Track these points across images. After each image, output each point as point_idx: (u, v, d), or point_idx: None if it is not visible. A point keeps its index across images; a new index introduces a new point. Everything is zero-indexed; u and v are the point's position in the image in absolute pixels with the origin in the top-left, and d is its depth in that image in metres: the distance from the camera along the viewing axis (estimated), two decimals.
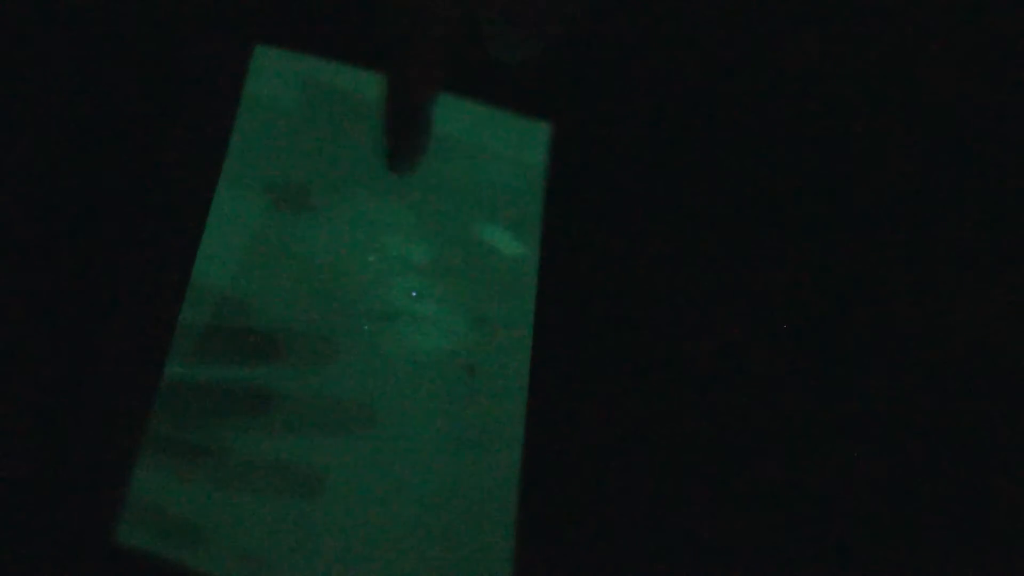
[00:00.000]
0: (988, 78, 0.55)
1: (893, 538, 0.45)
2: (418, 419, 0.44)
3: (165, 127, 0.47)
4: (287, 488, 0.42)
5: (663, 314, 0.48)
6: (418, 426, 0.44)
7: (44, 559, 0.40)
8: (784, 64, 0.54)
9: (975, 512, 0.46)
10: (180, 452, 0.42)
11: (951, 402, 0.48)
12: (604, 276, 0.48)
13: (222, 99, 0.49)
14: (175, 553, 0.40)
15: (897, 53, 0.55)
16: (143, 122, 0.47)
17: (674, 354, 0.47)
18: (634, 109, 0.52)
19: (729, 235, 0.50)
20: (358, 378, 0.45)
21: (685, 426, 0.46)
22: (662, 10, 0.54)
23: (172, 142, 0.47)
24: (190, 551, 0.41)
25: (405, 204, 0.49)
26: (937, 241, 0.51)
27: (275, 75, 0.50)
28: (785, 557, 0.44)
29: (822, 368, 0.48)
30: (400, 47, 0.38)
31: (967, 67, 0.55)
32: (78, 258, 0.44)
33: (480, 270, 0.48)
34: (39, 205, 0.45)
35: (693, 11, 0.54)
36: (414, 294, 0.47)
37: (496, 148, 0.50)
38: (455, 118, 0.50)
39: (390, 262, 0.47)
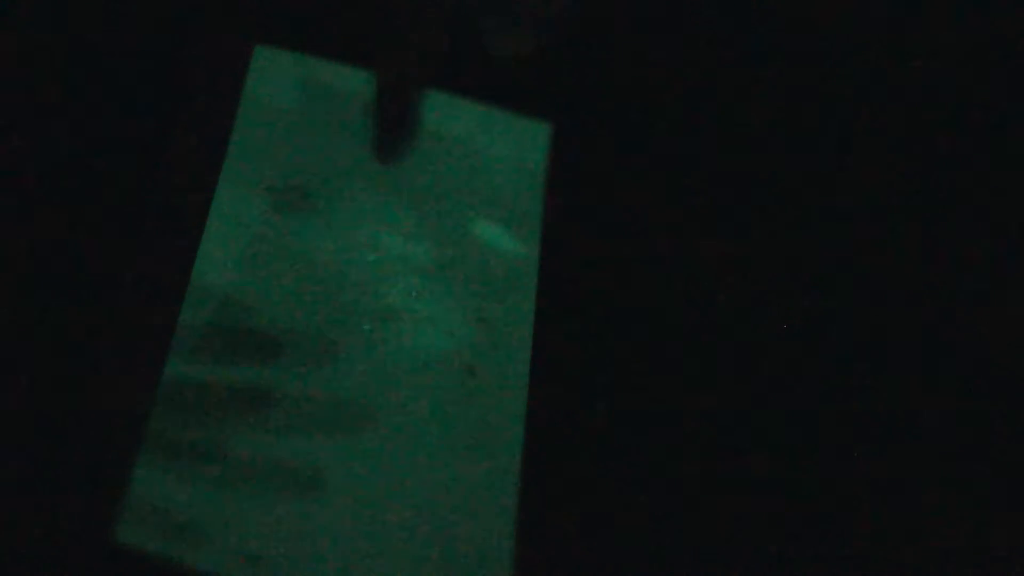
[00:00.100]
0: (988, 78, 0.55)
1: (893, 538, 0.45)
2: (418, 419, 0.44)
3: (165, 127, 0.47)
4: (287, 488, 0.42)
5: (663, 314, 0.48)
6: (418, 426, 0.44)
7: (44, 559, 0.40)
8: (785, 64, 0.54)
9: (975, 512, 0.46)
10: (180, 452, 0.42)
11: (951, 402, 0.48)
12: (604, 276, 0.48)
13: (222, 99, 0.49)
14: (175, 553, 0.40)
15: (897, 53, 0.55)
16: (143, 122, 0.47)
17: (674, 354, 0.47)
18: (634, 109, 0.52)
19: (729, 235, 0.50)
20: (358, 378, 0.45)
21: (685, 426, 0.46)
22: (662, 10, 0.54)
23: (172, 142, 0.47)
24: (190, 551, 0.41)
25: (405, 204, 0.49)
26: (937, 241, 0.51)
27: (275, 75, 0.50)
28: (785, 557, 0.44)
29: (822, 368, 0.48)
30: (393, 40, 0.38)
31: (967, 68, 0.55)
32: (78, 258, 0.44)
33: (480, 270, 0.48)
34: (39, 205, 0.45)
35: (693, 11, 0.54)
36: (414, 294, 0.47)
37: (496, 148, 0.50)
38: (455, 118, 0.50)
39: (390, 262, 0.47)
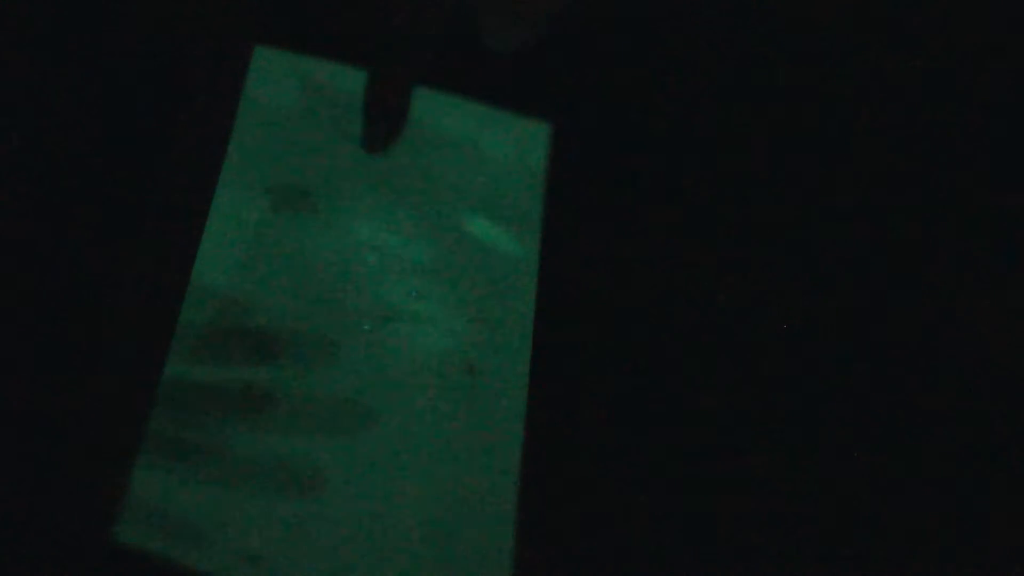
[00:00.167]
0: (987, 79, 0.55)
1: (893, 538, 0.45)
2: (418, 419, 0.44)
3: (165, 128, 0.47)
4: (287, 488, 0.42)
5: (663, 314, 0.48)
6: (418, 426, 0.44)
7: (44, 559, 0.40)
8: (785, 64, 0.54)
9: (975, 512, 0.46)
10: (180, 452, 0.42)
11: (951, 403, 0.48)
12: (604, 276, 0.48)
13: (222, 100, 0.49)
14: (175, 553, 0.40)
15: (896, 53, 0.55)
16: (143, 123, 0.47)
17: (674, 354, 0.47)
18: (634, 109, 0.52)
19: (730, 235, 0.50)
20: (358, 378, 0.45)
21: (685, 426, 0.46)
22: (662, 10, 0.54)
23: (172, 143, 0.47)
24: (190, 551, 0.41)
25: (405, 204, 0.49)
26: (937, 241, 0.51)
27: (275, 76, 0.50)
28: (786, 557, 0.44)
29: (822, 368, 0.48)
30: (390, 34, 0.38)
31: (967, 68, 0.55)
32: (78, 258, 0.44)
33: (480, 270, 0.48)
34: (39, 205, 0.45)
35: (693, 11, 0.54)
36: (414, 294, 0.47)
37: (496, 148, 0.50)
38: (455, 118, 0.50)
39: (390, 262, 0.47)
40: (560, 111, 0.51)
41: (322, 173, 0.48)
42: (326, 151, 0.49)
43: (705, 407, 0.46)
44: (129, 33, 0.48)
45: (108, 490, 0.41)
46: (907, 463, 0.46)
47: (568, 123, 0.51)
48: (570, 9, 0.37)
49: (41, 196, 0.45)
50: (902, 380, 0.48)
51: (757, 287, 0.49)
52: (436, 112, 0.50)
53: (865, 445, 0.47)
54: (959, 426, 0.47)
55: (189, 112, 0.48)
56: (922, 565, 0.45)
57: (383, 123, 0.40)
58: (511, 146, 0.50)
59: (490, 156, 0.50)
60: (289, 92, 0.50)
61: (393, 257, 0.47)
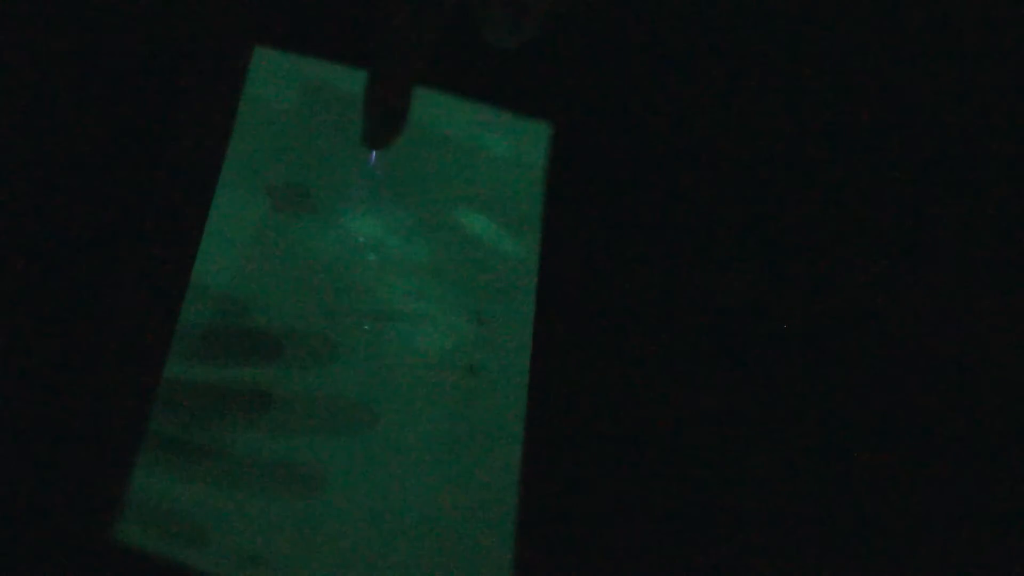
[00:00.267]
0: (987, 80, 0.55)
1: (893, 538, 0.45)
2: (418, 419, 0.44)
3: (165, 128, 0.47)
4: (287, 488, 0.42)
5: (663, 314, 0.48)
6: (418, 426, 0.44)
7: (44, 559, 0.40)
8: (785, 64, 0.54)
9: (975, 512, 0.46)
10: (180, 452, 0.42)
11: (952, 402, 0.48)
12: (604, 276, 0.48)
13: (222, 100, 0.49)
14: (175, 553, 0.40)
15: (897, 53, 0.55)
16: (143, 123, 0.47)
17: (674, 354, 0.47)
18: (634, 109, 0.52)
19: (729, 235, 0.50)
20: (358, 378, 0.45)
21: (685, 426, 0.46)
22: (662, 10, 0.54)
23: (172, 142, 0.47)
24: (190, 551, 0.41)
25: (405, 204, 0.49)
26: (936, 241, 0.51)
27: (274, 76, 0.50)
28: (786, 557, 0.44)
29: (822, 368, 0.48)
30: (388, 31, 0.38)
31: (967, 68, 0.55)
32: (78, 258, 0.44)
33: (480, 270, 0.48)
34: (39, 205, 0.45)
35: (693, 11, 0.54)
36: (414, 294, 0.47)
37: (496, 148, 0.50)
38: (455, 118, 0.50)
39: (390, 262, 0.47)
40: (560, 111, 0.51)
41: (322, 173, 0.48)
42: (326, 151, 0.49)
43: (705, 407, 0.46)
44: (129, 33, 0.48)
45: (108, 490, 0.41)
46: (907, 463, 0.46)
47: (568, 123, 0.51)
48: (570, 7, 0.37)
49: (41, 196, 0.45)
50: (902, 380, 0.48)
51: (757, 287, 0.49)
52: (436, 112, 0.50)
53: (865, 445, 0.47)
54: (959, 426, 0.47)
55: (189, 112, 0.48)
56: (922, 565, 0.45)
57: (383, 123, 0.40)
58: (511, 146, 0.50)
59: (490, 156, 0.50)
60: (289, 92, 0.50)
61: (393, 257, 0.47)
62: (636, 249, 0.49)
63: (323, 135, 0.49)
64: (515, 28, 0.38)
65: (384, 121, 0.40)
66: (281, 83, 0.50)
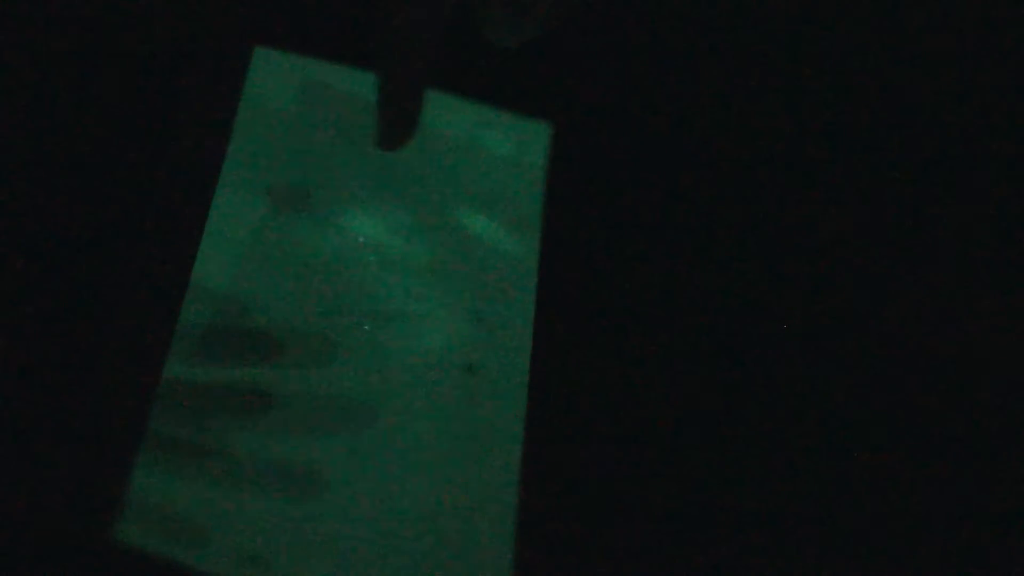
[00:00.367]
0: (987, 80, 0.55)
1: (893, 538, 0.45)
2: (418, 419, 0.44)
3: (165, 127, 0.47)
4: (287, 488, 0.42)
5: (663, 314, 0.48)
6: (418, 426, 0.44)
7: (44, 559, 0.40)
8: (785, 63, 0.54)
9: (975, 512, 0.46)
10: (180, 452, 0.42)
11: (952, 402, 0.48)
12: (604, 276, 0.48)
13: (222, 100, 0.49)
14: (175, 553, 0.40)
15: (896, 54, 0.55)
16: (143, 123, 0.47)
17: (674, 354, 0.47)
18: (634, 109, 0.52)
19: (729, 235, 0.50)
20: (358, 378, 0.45)
21: (685, 426, 0.46)
22: (663, 10, 0.54)
23: (172, 142, 0.47)
24: (190, 551, 0.41)
25: (405, 204, 0.49)
26: (936, 241, 0.51)
27: (274, 77, 0.50)
28: (786, 557, 0.44)
29: (822, 368, 0.48)
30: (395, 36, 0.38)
31: (967, 68, 0.55)
32: (78, 258, 0.44)
33: (480, 270, 0.48)
34: (39, 205, 0.45)
35: (694, 10, 0.54)
36: (414, 294, 0.47)
37: (496, 148, 0.50)
38: (455, 118, 0.50)
39: (390, 262, 0.47)
40: (560, 111, 0.51)
41: (322, 173, 0.48)
42: (326, 151, 0.49)
43: (705, 407, 0.46)
44: (129, 33, 0.48)
45: (108, 490, 0.41)
46: (907, 463, 0.46)
47: (568, 123, 0.51)
48: (571, 5, 0.37)
49: (41, 196, 0.45)
50: (902, 380, 0.48)
51: (757, 286, 0.49)
52: (436, 112, 0.50)
53: (865, 445, 0.47)
54: (959, 426, 0.47)
55: (189, 112, 0.48)
56: (922, 565, 0.45)
57: (396, 126, 0.40)
58: (511, 146, 0.50)
59: (490, 156, 0.50)
60: (289, 92, 0.50)
61: (393, 257, 0.47)
62: (636, 249, 0.49)
63: (323, 135, 0.49)
64: (516, 28, 0.38)
65: (397, 124, 0.40)
66: (281, 83, 0.50)
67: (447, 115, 0.50)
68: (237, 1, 0.50)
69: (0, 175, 0.45)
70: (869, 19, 0.55)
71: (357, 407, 0.44)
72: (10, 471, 0.41)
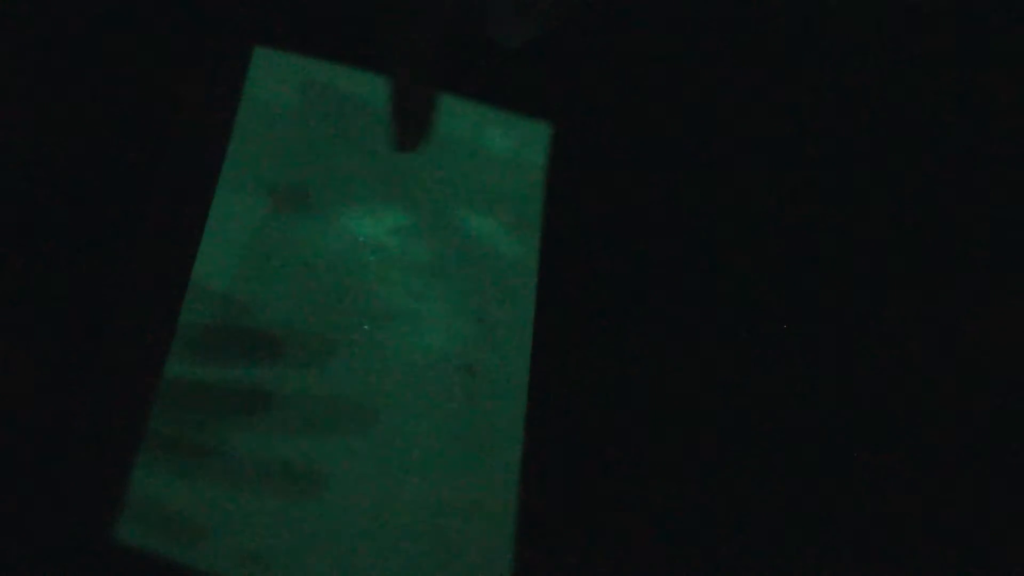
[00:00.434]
0: (988, 79, 0.55)
1: (893, 538, 0.45)
2: (418, 419, 0.44)
3: (166, 128, 0.47)
4: (287, 488, 0.42)
5: (663, 314, 0.48)
6: (418, 426, 0.44)
7: (44, 559, 0.40)
8: (785, 63, 0.54)
9: (975, 512, 0.46)
10: (180, 452, 0.42)
11: (951, 404, 0.48)
12: (604, 276, 0.48)
13: (222, 100, 0.49)
14: (175, 552, 0.40)
15: (896, 54, 0.55)
16: (143, 123, 0.47)
17: (674, 354, 0.47)
18: (634, 109, 0.52)
19: (729, 235, 0.50)
20: (358, 378, 0.45)
21: (685, 426, 0.46)
22: (662, 9, 0.54)
23: (173, 143, 0.47)
24: (190, 550, 0.41)
25: (405, 204, 0.49)
26: (937, 243, 0.51)
27: (275, 77, 0.50)
28: (785, 557, 0.44)
29: (822, 369, 0.48)
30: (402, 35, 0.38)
31: (967, 68, 0.55)
32: (78, 258, 0.44)
33: (480, 270, 0.48)
34: (39, 205, 0.45)
35: (694, 10, 0.54)
36: (414, 294, 0.47)
37: (496, 148, 0.50)
38: (455, 118, 0.50)
39: (390, 262, 0.47)
40: (560, 111, 0.51)
41: (322, 173, 0.48)
42: (326, 151, 0.49)
43: (705, 407, 0.46)
44: (129, 33, 0.48)
45: (108, 490, 0.41)
46: (907, 463, 0.46)
47: (568, 123, 0.51)
48: (572, 5, 0.37)
49: (41, 196, 0.45)
50: (902, 380, 0.48)
51: (757, 286, 0.49)
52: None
53: (865, 446, 0.47)
54: (959, 426, 0.47)
55: (189, 112, 0.48)
56: (923, 565, 0.45)
57: (410, 128, 0.40)
58: (511, 146, 0.50)
59: (490, 156, 0.50)
60: (289, 92, 0.50)
61: (393, 257, 0.47)
62: (636, 249, 0.49)
63: (323, 135, 0.49)
64: (520, 28, 0.38)
65: (411, 126, 0.40)
66: (281, 83, 0.50)
67: (447, 115, 0.50)
68: (237, 1, 0.50)
69: (0, 175, 0.45)
70: (869, 19, 0.55)
71: (357, 407, 0.44)
72: (10, 471, 0.41)
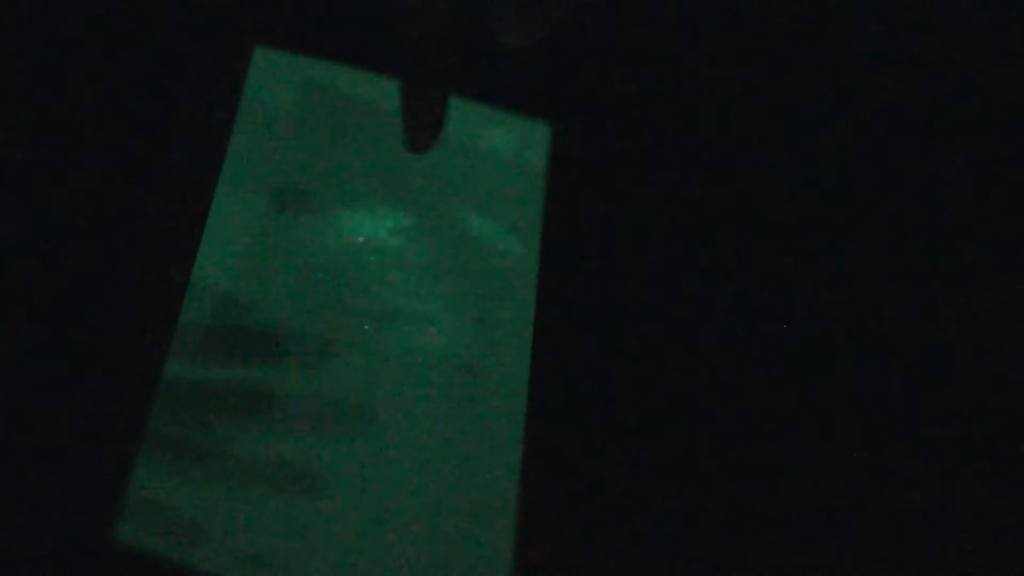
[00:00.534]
0: (989, 78, 0.55)
1: (893, 538, 0.45)
2: (418, 419, 0.44)
3: (165, 128, 0.47)
4: (287, 488, 0.42)
5: (663, 314, 0.48)
6: (418, 426, 0.44)
7: (44, 559, 0.40)
8: (785, 64, 0.54)
9: (975, 512, 0.46)
10: (180, 452, 0.42)
11: (950, 404, 0.48)
12: (604, 276, 0.48)
13: (222, 100, 0.49)
14: (175, 553, 0.40)
15: (897, 54, 0.55)
16: (144, 123, 0.47)
17: (674, 354, 0.47)
18: (634, 109, 0.52)
19: (729, 235, 0.50)
20: (358, 378, 0.45)
21: (685, 426, 0.46)
22: (663, 11, 0.54)
23: (172, 143, 0.47)
24: (190, 551, 0.41)
25: (405, 204, 0.49)
26: (936, 244, 0.51)
27: (275, 77, 0.50)
28: (786, 557, 0.44)
29: (822, 368, 0.48)
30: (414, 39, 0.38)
31: (968, 68, 0.55)
32: (78, 258, 0.44)
33: (480, 270, 0.48)
34: (39, 205, 0.45)
35: (694, 11, 0.54)
36: (414, 294, 0.47)
37: (496, 149, 0.50)
38: (455, 118, 0.50)
39: (390, 262, 0.47)
40: (560, 111, 0.51)
41: (322, 173, 0.48)
42: (326, 151, 0.49)
43: (705, 406, 0.46)
44: (129, 33, 0.48)
45: (108, 490, 0.41)
46: (907, 463, 0.47)
47: (568, 123, 0.51)
48: (574, 5, 0.37)
49: (42, 196, 0.45)
50: (902, 380, 0.48)
51: (757, 286, 0.49)
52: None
53: (865, 446, 0.47)
54: (959, 426, 0.47)
55: (189, 112, 0.48)
56: (923, 565, 0.45)
57: (421, 130, 0.40)
58: (511, 146, 0.50)
59: (490, 156, 0.50)
60: (289, 92, 0.50)
61: (393, 257, 0.47)
62: (636, 249, 0.49)
63: (323, 135, 0.49)
64: (526, 27, 0.38)
65: (422, 128, 0.40)
66: (281, 83, 0.50)
67: (447, 115, 0.50)
68: (237, 1, 0.50)
69: (0, 175, 0.45)
70: (869, 19, 0.55)
71: (357, 407, 0.44)
72: (10, 471, 0.41)
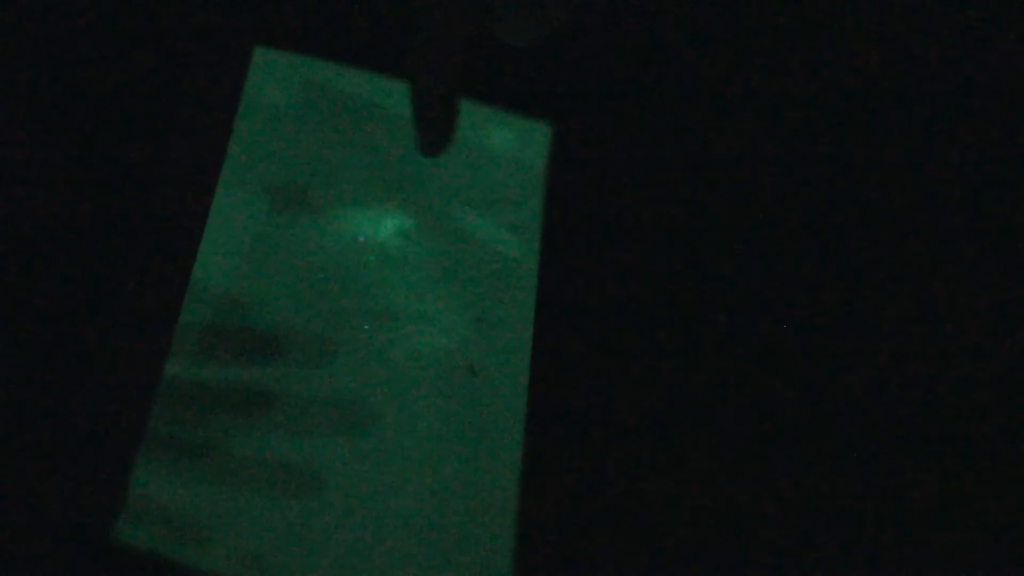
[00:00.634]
0: (988, 79, 0.55)
1: (893, 539, 0.45)
2: (418, 419, 0.44)
3: (165, 128, 0.47)
4: (287, 488, 0.42)
5: (663, 314, 0.48)
6: (418, 426, 0.44)
7: (43, 558, 0.40)
8: (785, 64, 0.54)
9: (975, 512, 0.46)
10: (180, 452, 0.42)
11: (951, 403, 0.48)
12: (604, 276, 0.48)
13: (222, 100, 0.49)
14: (175, 553, 0.40)
15: (896, 54, 0.55)
16: (143, 123, 0.47)
17: (674, 354, 0.47)
18: (634, 109, 0.52)
19: (729, 236, 0.50)
20: (358, 378, 0.45)
21: (686, 426, 0.46)
22: (663, 11, 0.54)
23: (173, 142, 0.47)
24: (190, 550, 0.41)
25: (405, 204, 0.49)
26: (937, 244, 0.51)
27: (275, 76, 0.50)
28: (787, 557, 0.44)
29: (822, 368, 0.48)
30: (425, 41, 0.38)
31: (968, 68, 0.55)
32: (78, 258, 0.44)
33: (480, 270, 0.48)
34: (39, 205, 0.45)
35: (694, 11, 0.54)
36: (414, 294, 0.47)
37: (496, 149, 0.50)
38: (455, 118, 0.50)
39: (390, 262, 0.47)
40: (560, 111, 0.51)
41: (322, 173, 0.48)
42: (326, 151, 0.49)
43: (705, 407, 0.46)
44: (130, 33, 0.48)
45: (108, 490, 0.41)
46: (906, 463, 0.46)
47: (568, 123, 0.51)
48: (577, 5, 0.37)
49: (41, 196, 0.45)
50: (902, 380, 0.48)
51: (757, 286, 0.49)
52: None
53: (865, 446, 0.47)
54: (958, 426, 0.47)
55: (189, 112, 0.48)
56: (923, 565, 0.45)
57: (432, 132, 0.40)
58: (511, 146, 0.50)
59: (490, 156, 0.50)
60: (289, 92, 0.50)
61: (393, 257, 0.47)
62: (636, 249, 0.49)
63: (323, 135, 0.49)
64: (529, 27, 0.38)
65: (433, 131, 0.40)
66: (281, 83, 0.50)
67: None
68: (237, 1, 0.50)
69: (0, 175, 0.45)
70: (869, 18, 0.55)
71: (357, 407, 0.44)
72: (10, 471, 0.41)
